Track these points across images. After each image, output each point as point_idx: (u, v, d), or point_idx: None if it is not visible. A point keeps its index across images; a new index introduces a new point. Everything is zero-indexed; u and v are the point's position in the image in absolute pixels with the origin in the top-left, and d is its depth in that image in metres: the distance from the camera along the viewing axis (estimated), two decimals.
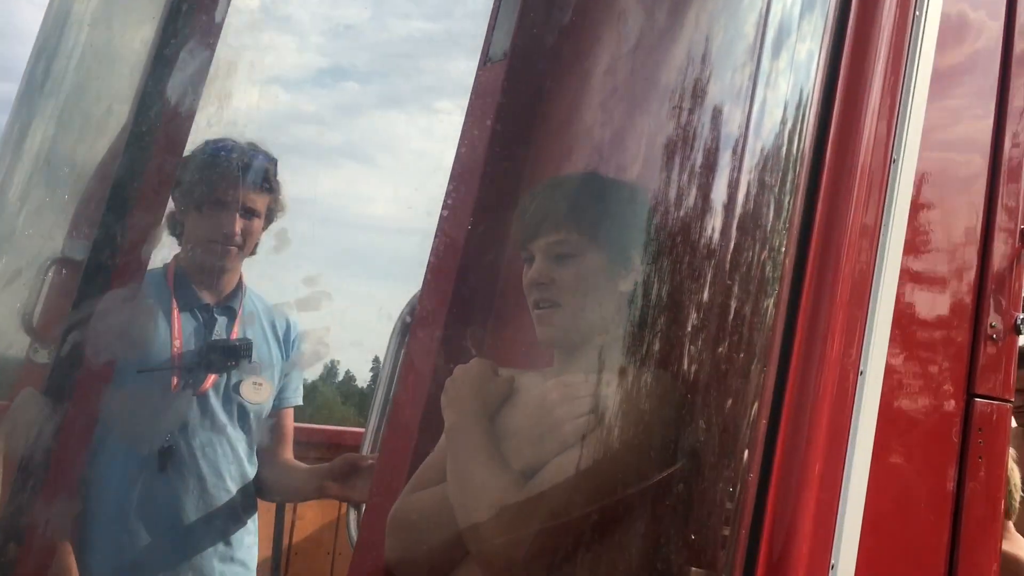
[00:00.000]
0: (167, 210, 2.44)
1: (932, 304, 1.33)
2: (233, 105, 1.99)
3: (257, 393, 2.35)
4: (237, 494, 2.31)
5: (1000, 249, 1.39)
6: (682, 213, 1.42)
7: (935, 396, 1.32)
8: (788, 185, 1.23)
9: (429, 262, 1.92)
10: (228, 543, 2.31)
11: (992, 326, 1.37)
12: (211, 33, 1.94)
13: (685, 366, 1.32)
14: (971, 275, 1.37)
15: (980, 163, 1.41)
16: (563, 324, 1.40)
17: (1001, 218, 1.40)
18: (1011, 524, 2.63)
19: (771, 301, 1.18)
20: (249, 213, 2.39)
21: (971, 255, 1.37)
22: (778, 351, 1.13)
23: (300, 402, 2.48)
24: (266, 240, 2.44)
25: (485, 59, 2.01)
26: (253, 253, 2.42)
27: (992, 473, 1.36)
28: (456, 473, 1.36)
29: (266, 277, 2.50)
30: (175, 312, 2.35)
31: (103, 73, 2.00)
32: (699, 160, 1.44)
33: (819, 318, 1.15)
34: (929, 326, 1.32)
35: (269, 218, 2.41)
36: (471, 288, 1.89)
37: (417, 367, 1.86)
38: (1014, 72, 1.43)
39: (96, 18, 1.99)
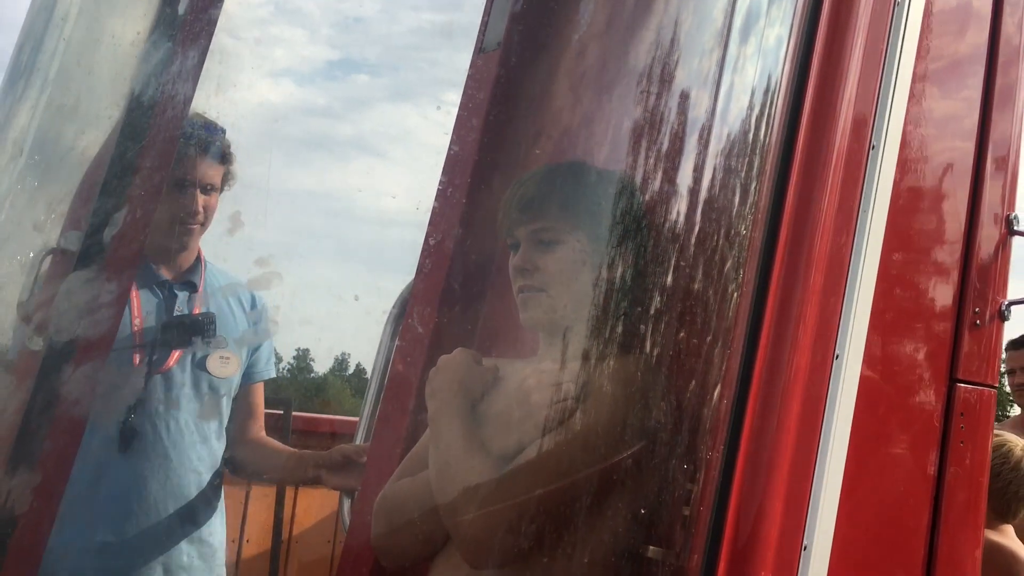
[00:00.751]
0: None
1: (915, 289, 1.33)
2: (228, 96, 2.00)
3: (224, 367, 2.33)
4: (205, 473, 2.29)
5: (985, 235, 1.39)
6: (665, 201, 1.43)
7: (917, 380, 1.32)
8: (764, 171, 1.23)
9: (422, 251, 1.93)
10: (195, 523, 2.30)
11: (976, 312, 1.37)
12: (207, 24, 1.95)
13: (662, 351, 1.33)
14: (955, 261, 1.37)
15: (966, 148, 1.41)
16: (546, 309, 1.41)
17: (987, 204, 1.40)
18: (1011, 528, 2.58)
19: (744, 285, 1.19)
20: (208, 188, 2.36)
21: (956, 241, 1.37)
22: (746, 333, 1.14)
23: (273, 374, 2.44)
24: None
25: (480, 48, 2.02)
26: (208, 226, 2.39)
27: (975, 458, 1.36)
28: (436, 460, 1.37)
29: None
30: (133, 290, 2.31)
31: (94, 64, 2.01)
32: (679, 147, 1.45)
33: (791, 302, 1.16)
34: (911, 311, 1.32)
35: (223, 189, 2.39)
36: (463, 278, 1.90)
37: (408, 357, 1.88)
38: (1001, 55, 1.43)
39: (86, 8, 2.01)
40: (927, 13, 1.32)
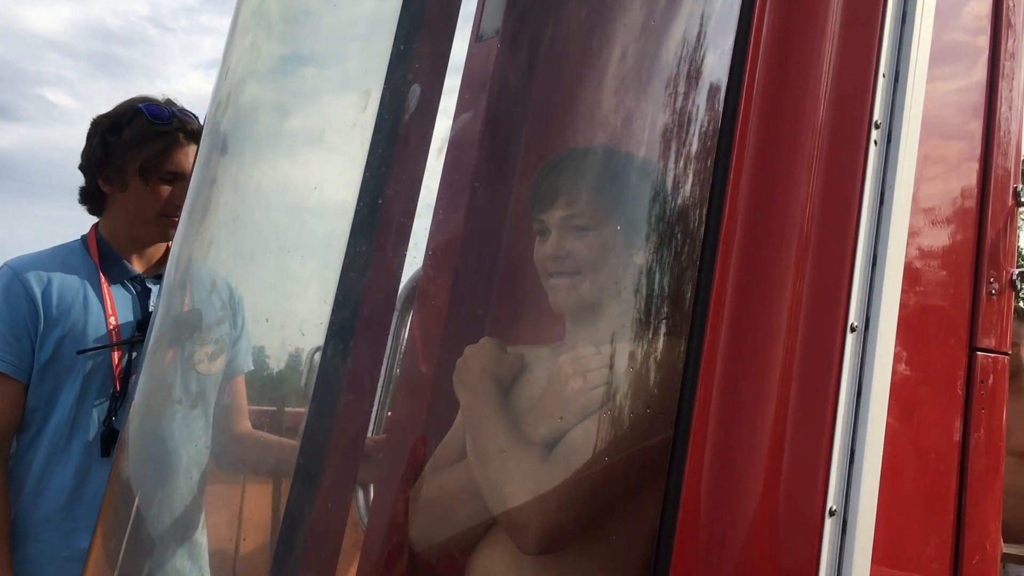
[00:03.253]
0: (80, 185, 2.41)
1: (937, 262, 1.37)
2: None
3: (209, 363, 2.31)
4: (194, 472, 2.24)
5: (997, 206, 1.43)
6: (684, 189, 1.45)
7: (941, 350, 1.36)
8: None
9: (428, 242, 1.93)
10: (188, 525, 2.27)
11: (991, 282, 1.41)
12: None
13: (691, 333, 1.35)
14: (970, 233, 1.41)
15: (975, 124, 1.45)
16: (577, 295, 1.42)
17: (996, 177, 1.44)
18: None
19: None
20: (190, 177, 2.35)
21: (970, 213, 1.42)
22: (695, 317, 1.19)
23: (251, 367, 2.36)
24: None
25: (476, 35, 2.01)
26: None
27: (993, 423, 1.41)
28: (478, 450, 1.38)
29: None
30: (104, 286, 2.30)
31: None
32: (692, 137, 1.47)
33: (756, 279, 1.20)
34: (935, 284, 1.36)
35: None
36: (473, 266, 1.90)
37: (422, 349, 1.88)
38: (1004, 30, 1.47)
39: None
40: None
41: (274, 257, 2.00)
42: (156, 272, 2.42)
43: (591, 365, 1.32)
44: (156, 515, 2.20)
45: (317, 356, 1.85)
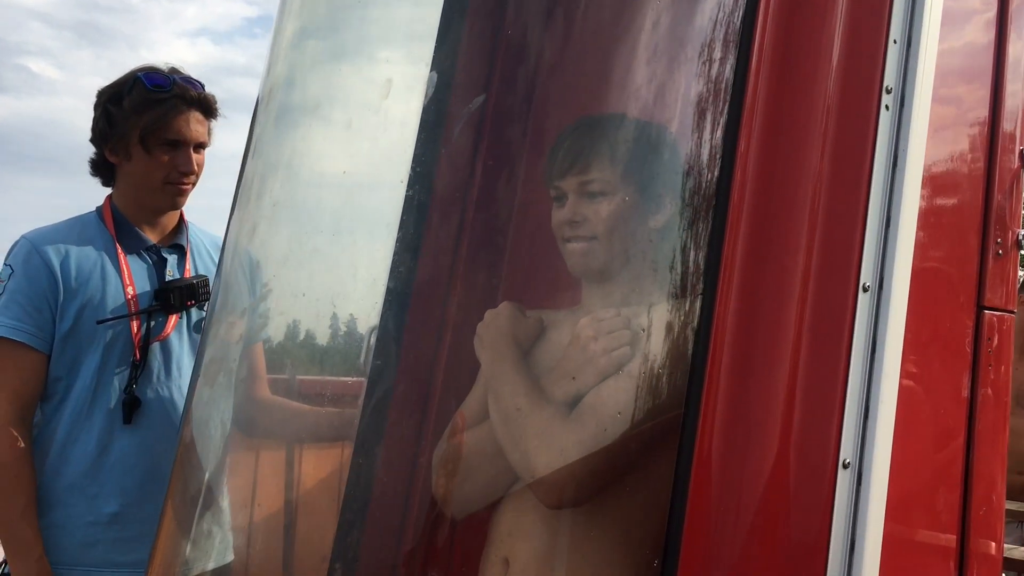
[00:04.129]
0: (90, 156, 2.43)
1: (943, 223, 1.40)
2: None
3: (228, 331, 2.34)
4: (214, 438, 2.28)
5: (1003, 168, 1.47)
6: (697, 153, 1.48)
7: (949, 309, 1.40)
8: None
9: (432, 209, 1.94)
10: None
11: (998, 242, 1.45)
12: None
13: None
14: (978, 195, 1.44)
15: (982, 88, 1.48)
16: (594, 259, 1.46)
17: (1002, 139, 1.48)
18: None
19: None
20: (199, 146, 2.38)
21: (976, 175, 1.45)
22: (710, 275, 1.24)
23: (268, 335, 2.38)
24: None
25: None
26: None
27: (1000, 380, 1.45)
28: (500, 408, 1.42)
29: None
30: (121, 256, 2.33)
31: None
32: (703, 101, 1.49)
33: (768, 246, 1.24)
34: (944, 244, 1.39)
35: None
36: (479, 233, 1.93)
37: (429, 318, 1.90)
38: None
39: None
40: None
41: (327, 236, 2.00)
42: (171, 242, 2.44)
43: (610, 327, 1.36)
44: (222, 484, 2.25)
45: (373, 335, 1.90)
